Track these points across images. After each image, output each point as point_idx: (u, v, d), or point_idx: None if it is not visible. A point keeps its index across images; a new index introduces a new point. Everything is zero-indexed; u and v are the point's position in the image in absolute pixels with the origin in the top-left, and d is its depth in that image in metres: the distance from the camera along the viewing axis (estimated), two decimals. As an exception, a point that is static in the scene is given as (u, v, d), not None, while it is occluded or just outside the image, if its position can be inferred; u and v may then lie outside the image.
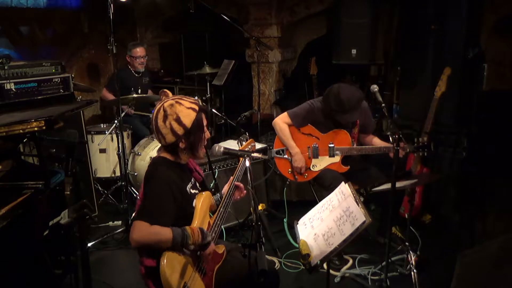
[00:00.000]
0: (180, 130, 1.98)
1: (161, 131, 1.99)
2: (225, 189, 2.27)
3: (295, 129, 3.32)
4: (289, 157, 3.33)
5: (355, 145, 3.30)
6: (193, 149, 2.07)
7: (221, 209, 2.15)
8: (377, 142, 3.36)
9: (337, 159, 3.28)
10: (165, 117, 1.98)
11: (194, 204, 2.11)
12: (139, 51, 4.62)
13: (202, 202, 2.12)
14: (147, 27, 6.21)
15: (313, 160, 3.31)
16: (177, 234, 1.90)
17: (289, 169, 3.38)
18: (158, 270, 1.87)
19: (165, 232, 1.89)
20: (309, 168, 3.32)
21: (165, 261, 1.87)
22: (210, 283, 2.06)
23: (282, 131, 3.30)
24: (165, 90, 2.17)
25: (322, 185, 3.30)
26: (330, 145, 3.26)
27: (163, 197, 1.95)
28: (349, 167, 3.27)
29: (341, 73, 5.00)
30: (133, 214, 3.55)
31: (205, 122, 2.08)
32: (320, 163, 3.30)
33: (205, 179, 2.33)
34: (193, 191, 2.15)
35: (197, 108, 2.03)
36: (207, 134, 2.12)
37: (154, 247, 1.91)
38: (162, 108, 2.00)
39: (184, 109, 2.00)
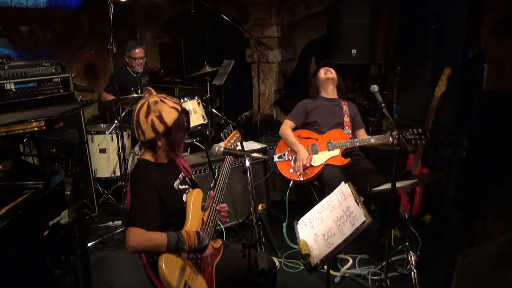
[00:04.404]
0: (160, 128, 2.00)
1: (141, 126, 2.00)
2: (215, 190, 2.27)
3: (295, 136, 3.52)
4: (291, 157, 3.45)
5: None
6: (171, 148, 2.09)
7: (213, 204, 2.16)
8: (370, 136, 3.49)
9: (336, 152, 3.38)
10: (148, 113, 1.99)
11: (184, 199, 2.11)
12: (138, 52, 4.57)
13: (193, 199, 2.12)
14: (147, 27, 6.21)
15: (313, 156, 3.41)
16: (172, 239, 1.90)
17: (291, 169, 3.41)
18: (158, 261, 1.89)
19: (160, 238, 1.89)
20: (311, 164, 3.38)
21: (163, 261, 1.87)
22: (210, 279, 2.06)
23: (285, 133, 3.54)
24: (149, 88, 2.20)
25: (321, 182, 3.37)
26: (328, 142, 3.41)
27: (149, 199, 1.95)
28: (349, 159, 3.35)
29: (341, 73, 5.00)
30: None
31: (186, 124, 2.10)
32: (321, 158, 3.39)
33: (194, 178, 2.32)
34: (182, 187, 2.16)
35: (179, 108, 2.06)
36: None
37: (151, 252, 1.93)
38: (145, 104, 2.02)
39: (167, 108, 2.02)
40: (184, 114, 2.08)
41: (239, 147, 2.54)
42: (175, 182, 2.13)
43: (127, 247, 1.88)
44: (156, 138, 2.02)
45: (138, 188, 1.98)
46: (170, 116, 2.01)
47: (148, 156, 2.09)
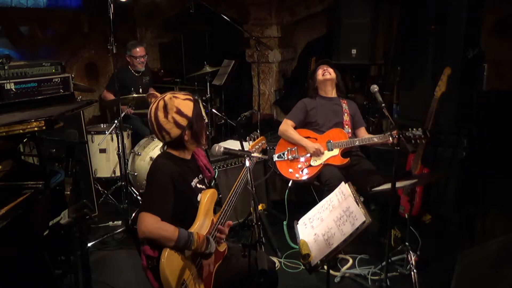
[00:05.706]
0: (183, 121, 2.03)
1: (164, 127, 2.02)
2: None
3: None
4: (290, 157, 3.44)
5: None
6: (196, 139, 2.11)
7: (226, 207, 2.16)
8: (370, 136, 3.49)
9: (336, 152, 3.38)
10: (166, 112, 2.01)
11: (199, 199, 2.13)
12: (139, 51, 4.60)
13: (207, 198, 2.13)
14: (147, 27, 6.21)
15: (312, 156, 3.39)
16: (183, 236, 1.92)
17: (290, 169, 3.42)
18: (158, 263, 1.89)
19: (171, 231, 1.91)
20: (310, 164, 3.38)
21: (165, 257, 1.88)
22: (209, 282, 2.06)
23: (287, 132, 3.52)
24: (153, 92, 2.21)
25: (320, 181, 3.38)
26: (328, 142, 3.42)
27: (164, 188, 1.98)
28: (349, 159, 3.35)
29: (341, 73, 5.00)
30: (133, 214, 3.56)
31: (201, 112, 2.14)
32: (320, 158, 3.39)
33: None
34: (199, 186, 2.17)
35: (191, 98, 2.10)
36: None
37: (158, 242, 1.93)
38: (160, 105, 2.03)
39: (182, 101, 2.05)
40: (196, 102, 2.12)
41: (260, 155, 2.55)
42: (194, 180, 2.15)
43: (138, 231, 1.91)
44: (182, 133, 2.04)
45: (155, 176, 2.01)
46: (187, 107, 2.04)
47: (173, 151, 2.12)
